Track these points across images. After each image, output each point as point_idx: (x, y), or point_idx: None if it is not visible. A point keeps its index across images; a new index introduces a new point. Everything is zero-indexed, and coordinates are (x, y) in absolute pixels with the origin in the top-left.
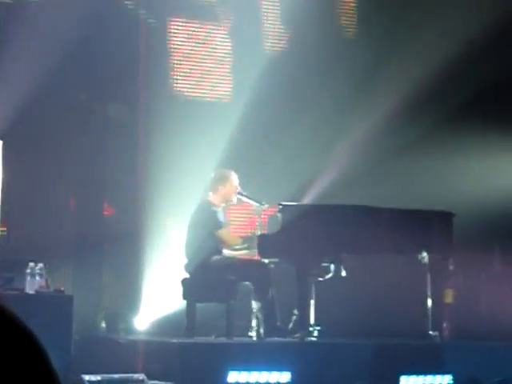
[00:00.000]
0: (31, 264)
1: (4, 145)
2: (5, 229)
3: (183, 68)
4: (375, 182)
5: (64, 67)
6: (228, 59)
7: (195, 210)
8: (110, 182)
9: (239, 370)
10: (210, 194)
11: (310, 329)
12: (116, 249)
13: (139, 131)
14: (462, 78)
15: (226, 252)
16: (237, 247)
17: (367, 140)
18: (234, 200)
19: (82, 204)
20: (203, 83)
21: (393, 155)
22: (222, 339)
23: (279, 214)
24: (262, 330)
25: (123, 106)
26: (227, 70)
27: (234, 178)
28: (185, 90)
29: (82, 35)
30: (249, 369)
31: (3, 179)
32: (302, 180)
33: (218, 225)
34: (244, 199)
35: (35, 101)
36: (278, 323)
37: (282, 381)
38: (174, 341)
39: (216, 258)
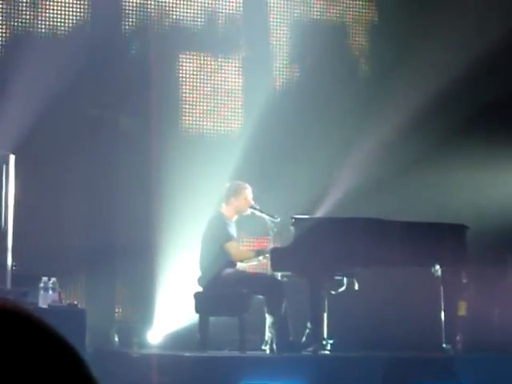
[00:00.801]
0: (44, 278)
1: (16, 159)
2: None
3: (192, 99)
4: (388, 195)
5: (76, 81)
6: (239, 93)
7: (208, 223)
8: (123, 194)
9: (252, 383)
10: (223, 205)
11: (323, 342)
12: (129, 262)
13: (152, 144)
14: (469, 91)
15: (240, 265)
16: (249, 261)
17: (378, 153)
18: (248, 212)
19: (94, 217)
20: (213, 116)
21: (405, 168)
22: (235, 353)
23: (292, 228)
24: (274, 345)
25: (135, 119)
26: (238, 104)
27: (248, 192)
28: (194, 123)
29: (97, 55)
30: (262, 382)
31: (15, 193)
32: (315, 193)
33: (228, 237)
34: (257, 213)
35: (47, 115)
36: (291, 338)
37: None
38: (187, 355)
39: (228, 271)
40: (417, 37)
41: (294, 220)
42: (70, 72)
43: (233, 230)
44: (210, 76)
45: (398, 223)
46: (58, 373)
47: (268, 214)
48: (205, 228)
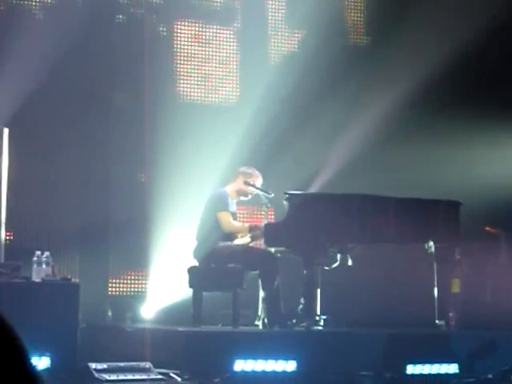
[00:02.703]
0: (38, 252)
1: (10, 133)
2: (11, 233)
3: (186, 68)
4: (381, 171)
5: (70, 56)
6: (234, 61)
7: (211, 195)
8: (116, 167)
9: (245, 358)
10: (231, 185)
11: (317, 318)
12: (122, 236)
13: (145, 115)
14: (463, 68)
15: (236, 240)
16: (243, 235)
17: (375, 130)
18: (248, 197)
19: (88, 191)
20: (207, 84)
21: (398, 144)
22: (229, 328)
23: (285, 203)
24: (266, 320)
25: (128, 91)
26: (233, 72)
27: (259, 180)
28: (187, 91)
29: (89, 30)
30: (255, 357)
31: (9, 167)
32: (309, 169)
33: (224, 208)
34: (251, 189)
35: (40, 89)
36: (282, 313)
37: (287, 369)
38: (181, 329)
39: (223, 244)
40: (412, 19)
41: (287, 195)
42: (63, 45)
43: (233, 207)
44: (205, 45)
45: (392, 199)
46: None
47: (262, 190)
48: (207, 201)
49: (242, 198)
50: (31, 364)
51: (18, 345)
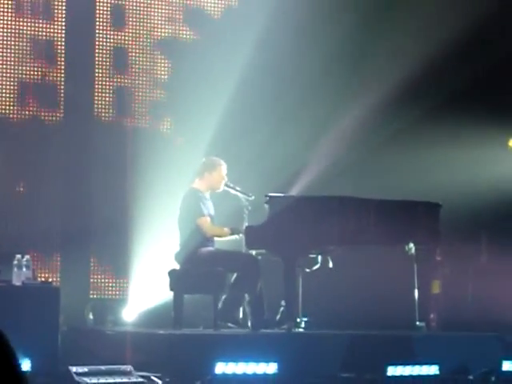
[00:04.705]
0: (18, 256)
1: None
2: None
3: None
4: (362, 174)
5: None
6: None
7: (182, 199)
8: (97, 171)
9: (226, 361)
10: (197, 180)
11: (298, 320)
12: (103, 240)
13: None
14: (448, 71)
15: (218, 243)
16: (225, 238)
17: (354, 131)
18: (221, 188)
19: (69, 194)
20: None
21: (379, 146)
22: (210, 331)
23: (266, 205)
24: (249, 323)
25: None
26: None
27: (223, 168)
28: None
29: None
30: (236, 360)
31: None
32: (289, 172)
33: (200, 213)
34: (231, 191)
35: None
36: (266, 316)
37: (269, 372)
38: (162, 332)
39: (205, 248)
40: (398, 14)
41: (268, 198)
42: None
43: (209, 206)
44: None
45: (372, 201)
46: None
47: (242, 192)
48: (180, 203)
49: (217, 191)
50: (20, 366)
51: (7, 346)
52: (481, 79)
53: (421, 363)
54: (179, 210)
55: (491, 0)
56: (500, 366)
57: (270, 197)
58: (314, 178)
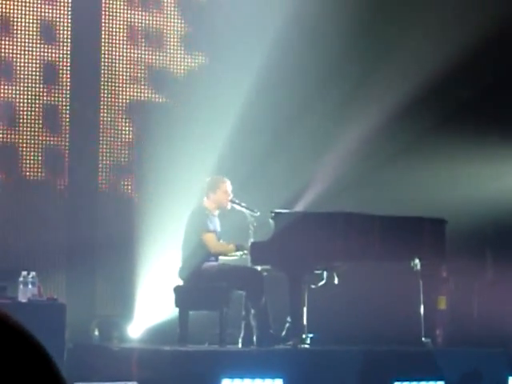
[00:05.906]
0: (24, 273)
1: None
2: None
3: None
4: (368, 190)
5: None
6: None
7: (190, 215)
8: (103, 187)
9: (232, 377)
10: (205, 199)
11: (303, 336)
12: (109, 256)
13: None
14: (453, 86)
15: (222, 259)
16: (231, 255)
17: (359, 147)
18: (228, 207)
19: (74, 212)
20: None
21: (385, 163)
22: (215, 347)
23: (271, 222)
24: (254, 339)
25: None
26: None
27: (226, 186)
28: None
29: None
30: (242, 376)
31: None
32: (296, 188)
33: (206, 230)
34: (237, 207)
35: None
36: (271, 331)
37: None
38: (167, 349)
39: (208, 264)
40: (402, 27)
41: (273, 214)
42: None
43: (215, 224)
44: None
45: (377, 217)
46: (28, 372)
47: (248, 208)
48: (187, 220)
49: (225, 208)
50: (58, 369)
51: (44, 351)
52: (484, 94)
53: (427, 379)
54: (185, 226)
55: (495, 15)
56: (506, 382)
57: (276, 213)
58: (319, 193)
